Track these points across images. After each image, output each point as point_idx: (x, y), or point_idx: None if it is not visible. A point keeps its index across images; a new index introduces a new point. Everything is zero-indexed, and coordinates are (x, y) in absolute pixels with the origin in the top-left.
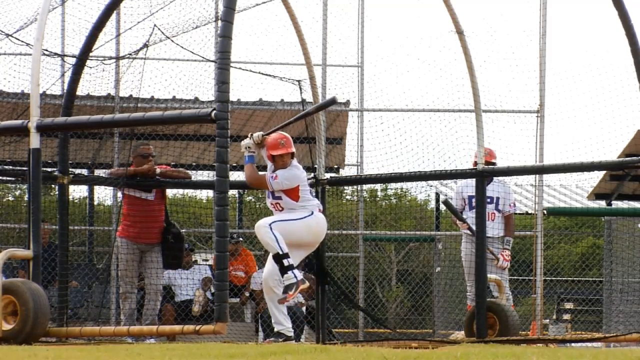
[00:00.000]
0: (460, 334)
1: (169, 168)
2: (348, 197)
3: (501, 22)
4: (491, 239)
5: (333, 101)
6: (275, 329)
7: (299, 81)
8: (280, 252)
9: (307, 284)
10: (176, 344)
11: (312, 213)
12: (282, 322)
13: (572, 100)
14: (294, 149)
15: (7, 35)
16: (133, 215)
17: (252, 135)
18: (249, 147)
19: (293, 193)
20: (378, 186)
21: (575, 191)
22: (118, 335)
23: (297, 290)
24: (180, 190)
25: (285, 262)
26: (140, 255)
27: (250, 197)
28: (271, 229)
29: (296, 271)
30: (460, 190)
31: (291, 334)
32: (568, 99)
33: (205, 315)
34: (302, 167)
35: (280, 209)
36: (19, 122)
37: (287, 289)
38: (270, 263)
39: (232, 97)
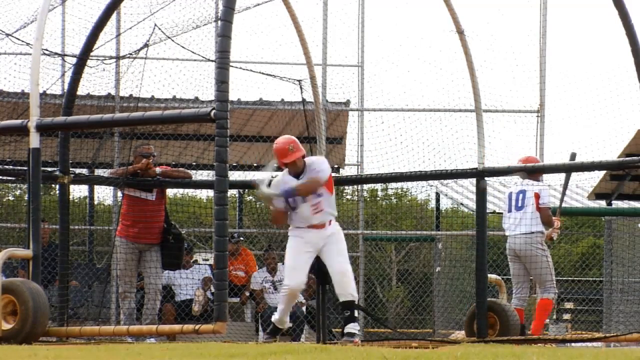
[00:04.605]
0: (460, 334)
1: (169, 168)
2: (348, 196)
3: (501, 22)
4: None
5: None
6: (272, 319)
7: (299, 81)
8: (357, 301)
9: (359, 343)
10: (176, 344)
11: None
12: (282, 318)
13: (572, 100)
14: (303, 150)
15: (7, 35)
16: (133, 215)
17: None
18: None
19: (329, 183)
20: (378, 186)
21: (576, 191)
22: (118, 334)
23: (352, 342)
24: (180, 190)
25: (356, 312)
26: (139, 255)
27: (250, 197)
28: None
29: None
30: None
31: (282, 327)
32: (568, 98)
33: (205, 314)
34: None
35: (320, 209)
36: (18, 121)
37: (347, 335)
38: (298, 272)
39: (232, 96)
